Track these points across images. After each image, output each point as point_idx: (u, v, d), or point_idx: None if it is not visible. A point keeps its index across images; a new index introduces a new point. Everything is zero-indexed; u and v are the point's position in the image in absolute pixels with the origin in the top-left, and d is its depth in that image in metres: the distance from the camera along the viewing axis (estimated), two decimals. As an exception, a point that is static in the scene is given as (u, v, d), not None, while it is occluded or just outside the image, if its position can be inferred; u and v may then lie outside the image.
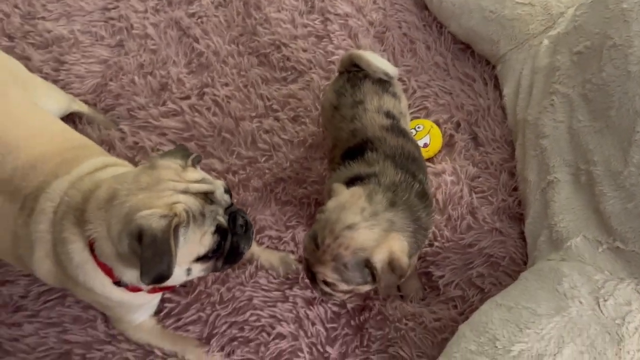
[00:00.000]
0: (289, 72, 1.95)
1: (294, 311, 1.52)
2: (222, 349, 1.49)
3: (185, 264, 1.17)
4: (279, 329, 1.49)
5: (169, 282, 1.19)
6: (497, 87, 1.87)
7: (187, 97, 1.91)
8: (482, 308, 1.36)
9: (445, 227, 1.66)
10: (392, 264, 1.09)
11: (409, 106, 1.86)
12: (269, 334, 1.49)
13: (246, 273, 1.58)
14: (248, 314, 1.52)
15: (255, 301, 1.54)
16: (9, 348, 1.50)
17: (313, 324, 1.49)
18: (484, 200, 1.68)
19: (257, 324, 1.50)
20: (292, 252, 1.64)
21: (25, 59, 2.02)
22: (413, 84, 1.91)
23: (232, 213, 1.23)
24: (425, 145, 1.73)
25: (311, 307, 1.52)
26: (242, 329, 1.50)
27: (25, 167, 1.29)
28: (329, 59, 1.98)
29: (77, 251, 1.20)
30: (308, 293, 1.55)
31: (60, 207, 1.23)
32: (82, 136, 1.49)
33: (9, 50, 2.04)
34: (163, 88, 1.94)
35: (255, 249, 1.60)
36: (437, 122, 1.83)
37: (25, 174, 1.28)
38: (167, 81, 1.94)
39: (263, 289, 1.57)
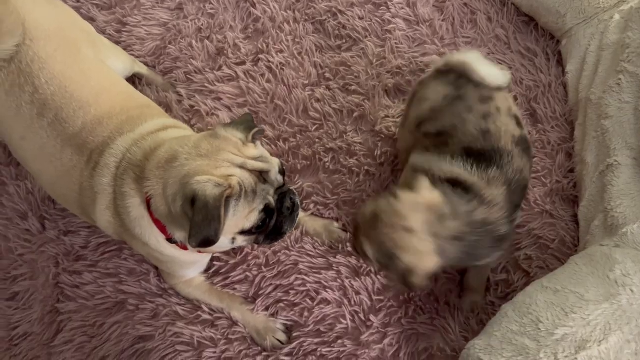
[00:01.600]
0: (344, 40, 1.94)
1: (339, 280, 1.55)
2: (266, 309, 1.55)
3: (230, 234, 1.21)
4: (323, 294, 1.53)
5: (214, 248, 1.24)
6: (560, 63, 1.79)
7: (243, 63, 1.93)
8: (527, 289, 1.35)
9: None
10: (408, 273, 1.11)
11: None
12: (312, 299, 1.53)
13: (292, 238, 1.61)
14: (293, 277, 1.56)
15: (300, 266, 1.57)
16: (70, 294, 1.61)
17: (357, 293, 1.52)
18: (537, 181, 1.64)
19: (302, 288, 1.54)
20: (337, 219, 1.66)
21: (90, 20, 2.08)
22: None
23: (282, 194, 1.26)
24: None
25: (356, 278, 1.54)
26: (287, 293, 1.54)
27: (94, 122, 1.34)
28: (385, 28, 1.94)
29: (135, 206, 1.26)
30: (353, 261, 1.57)
31: (123, 162, 1.28)
32: (145, 97, 1.54)
33: (76, 11, 2.10)
34: (219, 53, 1.96)
35: (300, 215, 1.62)
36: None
37: (93, 129, 1.33)
38: (224, 46, 1.96)
39: (309, 255, 1.60)
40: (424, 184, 1.14)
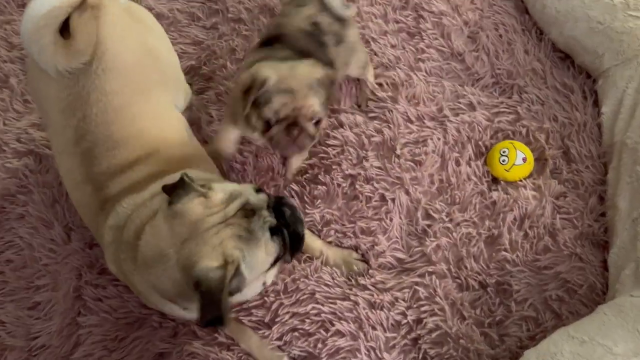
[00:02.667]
0: (375, 68, 1.93)
1: (355, 311, 1.53)
2: (281, 337, 1.53)
3: (260, 280, 1.20)
4: (338, 326, 1.50)
5: (248, 296, 1.26)
6: (597, 102, 1.75)
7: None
8: (553, 337, 1.30)
9: (524, 239, 1.59)
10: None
11: (497, 110, 1.79)
12: (327, 330, 1.51)
13: (311, 267, 1.60)
14: (310, 306, 1.54)
15: (317, 295, 1.56)
16: (92, 307, 1.61)
17: (373, 328, 1.49)
18: (568, 222, 1.60)
19: (317, 318, 1.52)
20: (356, 248, 1.64)
21: (127, 35, 2.13)
22: (504, 87, 1.85)
23: (276, 206, 1.22)
24: (525, 160, 1.66)
25: (373, 310, 1.52)
26: (302, 321, 1.53)
27: (116, 169, 1.30)
28: (418, 57, 1.93)
29: (140, 282, 1.25)
30: (367, 295, 1.55)
31: (125, 231, 1.25)
32: (189, 146, 1.47)
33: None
34: (251, 74, 1.97)
35: (320, 245, 1.61)
36: (526, 131, 1.75)
37: (112, 175, 1.30)
38: (256, 68, 1.97)
39: (326, 284, 1.58)
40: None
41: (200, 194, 1.15)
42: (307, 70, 1.40)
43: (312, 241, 1.61)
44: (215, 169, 1.53)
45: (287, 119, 1.39)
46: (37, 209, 1.80)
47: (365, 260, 1.61)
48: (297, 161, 1.76)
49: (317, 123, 1.44)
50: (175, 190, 1.15)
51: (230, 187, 1.20)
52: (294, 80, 1.37)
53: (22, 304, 1.66)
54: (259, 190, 1.24)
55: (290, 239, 1.23)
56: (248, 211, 1.16)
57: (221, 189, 1.17)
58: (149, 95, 1.39)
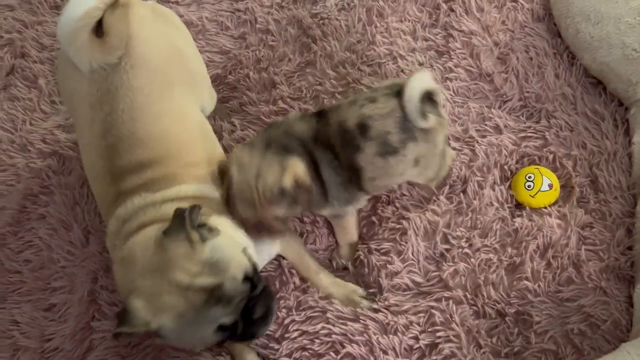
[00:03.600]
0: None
1: (365, 334, 1.50)
2: (290, 354, 1.51)
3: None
4: (348, 348, 1.47)
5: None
6: (629, 131, 1.70)
7: (299, 98, 1.93)
8: (572, 375, 1.26)
9: (547, 269, 1.55)
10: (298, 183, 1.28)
11: (524, 134, 1.75)
12: (337, 352, 1.48)
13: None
14: (320, 326, 1.52)
15: (328, 315, 1.53)
16: (107, 311, 1.60)
17: (385, 352, 1.46)
18: (593, 254, 1.55)
19: (328, 339, 1.50)
20: (365, 285, 1.60)
21: (156, 41, 2.15)
22: (532, 111, 1.81)
23: (253, 300, 1.18)
24: (551, 186, 1.61)
25: (385, 335, 1.49)
26: (312, 341, 1.50)
27: (136, 165, 1.32)
28: (445, 75, 1.90)
29: (115, 271, 1.29)
30: (380, 317, 1.52)
31: (127, 224, 1.28)
32: (211, 153, 1.46)
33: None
34: (274, 86, 1.97)
35: (324, 283, 1.57)
36: (553, 157, 1.71)
37: (131, 171, 1.32)
38: (281, 79, 1.96)
39: (335, 304, 1.56)
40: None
41: (190, 241, 1.12)
42: (272, 177, 1.28)
43: (316, 278, 1.58)
44: None
45: (252, 222, 1.33)
46: (58, 210, 1.82)
47: (372, 296, 1.57)
48: (345, 248, 1.65)
49: (286, 220, 1.40)
50: (175, 221, 1.13)
51: (225, 253, 1.16)
52: (254, 189, 1.28)
53: (38, 304, 1.67)
54: (251, 274, 1.19)
55: (241, 334, 1.20)
56: (214, 296, 1.11)
57: (213, 249, 1.14)
58: (172, 94, 1.41)
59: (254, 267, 1.23)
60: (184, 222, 1.11)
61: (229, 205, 1.34)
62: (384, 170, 1.38)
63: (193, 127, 1.45)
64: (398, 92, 1.32)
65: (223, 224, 1.26)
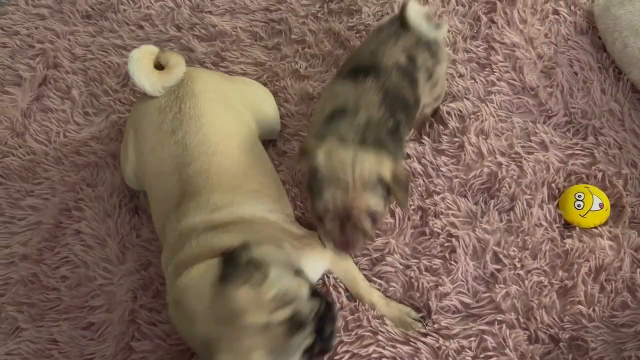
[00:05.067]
0: (444, 99, 1.86)
1: (417, 358, 1.46)
2: (339, 378, 1.47)
3: None
4: (400, 373, 1.44)
5: None
6: (682, 150, 1.66)
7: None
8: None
9: (600, 293, 1.51)
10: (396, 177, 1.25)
11: (572, 152, 1.71)
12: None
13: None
14: (371, 349, 1.48)
15: (379, 337, 1.49)
16: (147, 331, 1.58)
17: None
18: (649, 277, 1.50)
19: (379, 364, 1.46)
20: (417, 286, 1.56)
21: (188, 50, 2.12)
22: (578, 127, 1.77)
23: (321, 320, 1.15)
24: (602, 206, 1.57)
25: (438, 360, 1.45)
26: (363, 365, 1.46)
27: (202, 166, 1.41)
28: (488, 89, 1.86)
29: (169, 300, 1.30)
30: (431, 341, 1.48)
31: (182, 248, 1.31)
32: (264, 176, 1.53)
33: (175, 40, 2.15)
34: (312, 97, 1.93)
35: (376, 301, 1.54)
36: (602, 175, 1.67)
37: (199, 173, 1.40)
38: (319, 91, 1.93)
39: (387, 324, 1.52)
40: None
41: (251, 283, 1.08)
42: (370, 165, 1.23)
43: (369, 297, 1.54)
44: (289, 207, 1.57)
45: (339, 213, 1.24)
46: (90, 225, 1.78)
47: (422, 319, 1.53)
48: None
49: (375, 221, 1.28)
50: (228, 267, 1.10)
51: (287, 282, 1.12)
52: (350, 171, 1.22)
53: (76, 323, 1.64)
54: (315, 293, 1.17)
55: (319, 351, 1.17)
56: (295, 323, 1.09)
57: (276, 283, 1.10)
58: (229, 103, 1.60)
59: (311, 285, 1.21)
60: (239, 268, 1.08)
61: (308, 195, 1.29)
62: (428, 95, 1.58)
63: (252, 150, 1.57)
64: (402, 26, 1.48)
65: (268, 252, 1.20)
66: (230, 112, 1.57)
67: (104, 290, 1.67)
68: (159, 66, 1.60)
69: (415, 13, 1.48)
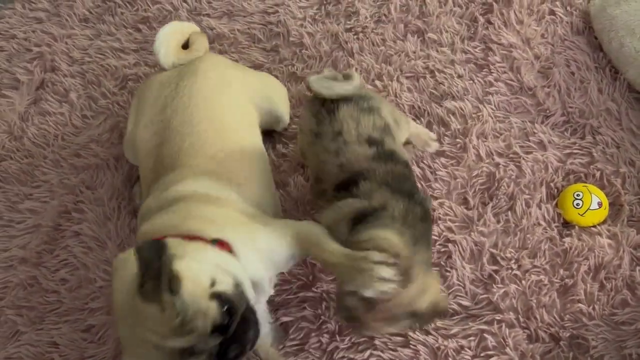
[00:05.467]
0: (443, 99, 1.87)
1: (415, 358, 1.46)
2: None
3: None
4: (401, 375, 1.43)
5: None
6: (680, 148, 1.66)
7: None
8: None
9: (600, 291, 1.51)
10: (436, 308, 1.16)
11: (570, 151, 1.71)
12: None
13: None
14: (367, 353, 1.47)
15: (376, 341, 1.49)
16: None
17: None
18: (649, 273, 1.51)
19: (378, 367, 1.46)
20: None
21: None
22: (576, 126, 1.78)
23: (224, 342, 1.08)
24: (600, 205, 1.58)
25: (437, 361, 1.45)
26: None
27: (182, 145, 1.41)
28: (486, 89, 1.87)
29: None
30: (431, 340, 1.48)
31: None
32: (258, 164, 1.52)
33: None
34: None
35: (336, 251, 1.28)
36: (600, 174, 1.67)
37: (178, 152, 1.40)
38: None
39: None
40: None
41: (159, 305, 1.01)
42: (410, 294, 1.12)
43: (333, 257, 1.45)
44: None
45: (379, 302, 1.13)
46: (90, 227, 1.78)
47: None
48: None
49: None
50: (148, 281, 1.00)
51: (193, 312, 1.03)
52: (411, 260, 1.13)
53: (76, 325, 1.63)
54: (222, 325, 1.07)
55: None
56: (184, 355, 1.05)
57: (182, 313, 1.01)
58: (229, 90, 1.58)
59: (230, 302, 1.09)
60: (159, 285, 0.99)
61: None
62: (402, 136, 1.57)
63: (240, 128, 1.56)
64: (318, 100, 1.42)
65: (187, 266, 1.08)
66: (224, 96, 1.55)
67: (103, 293, 1.67)
68: (185, 45, 1.69)
69: (319, 82, 1.41)
